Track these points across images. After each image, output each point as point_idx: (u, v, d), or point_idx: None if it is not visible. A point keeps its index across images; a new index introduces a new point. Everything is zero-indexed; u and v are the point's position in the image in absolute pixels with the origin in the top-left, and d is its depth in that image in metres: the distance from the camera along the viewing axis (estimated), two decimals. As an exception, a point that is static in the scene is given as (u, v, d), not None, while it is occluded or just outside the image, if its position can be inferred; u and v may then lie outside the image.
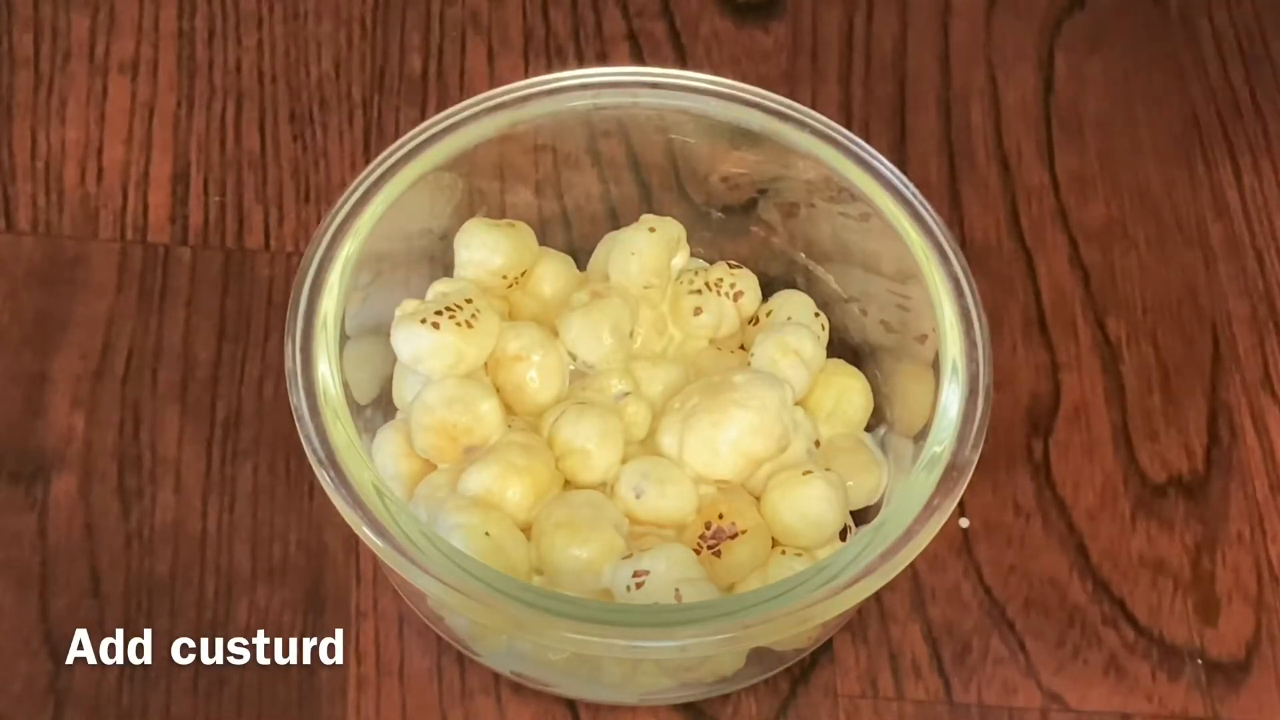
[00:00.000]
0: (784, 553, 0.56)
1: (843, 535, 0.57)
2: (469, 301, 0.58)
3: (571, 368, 0.59)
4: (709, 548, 0.56)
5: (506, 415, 0.57)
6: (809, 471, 0.57)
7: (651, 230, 0.61)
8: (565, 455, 0.57)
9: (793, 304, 0.62)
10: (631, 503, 0.56)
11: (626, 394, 0.58)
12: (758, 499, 0.57)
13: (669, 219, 0.61)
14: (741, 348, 0.61)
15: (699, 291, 0.61)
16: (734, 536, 0.56)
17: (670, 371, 0.59)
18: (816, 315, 0.61)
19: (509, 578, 0.52)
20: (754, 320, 0.62)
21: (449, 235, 0.61)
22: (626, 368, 0.59)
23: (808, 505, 0.56)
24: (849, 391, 0.60)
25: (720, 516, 0.56)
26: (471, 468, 0.56)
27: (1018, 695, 0.59)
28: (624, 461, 0.57)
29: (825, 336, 0.61)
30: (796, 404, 0.59)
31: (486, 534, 0.54)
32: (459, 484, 0.56)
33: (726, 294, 0.61)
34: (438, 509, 0.55)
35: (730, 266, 0.62)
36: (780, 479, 0.57)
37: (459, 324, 0.57)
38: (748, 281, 0.62)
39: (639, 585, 0.54)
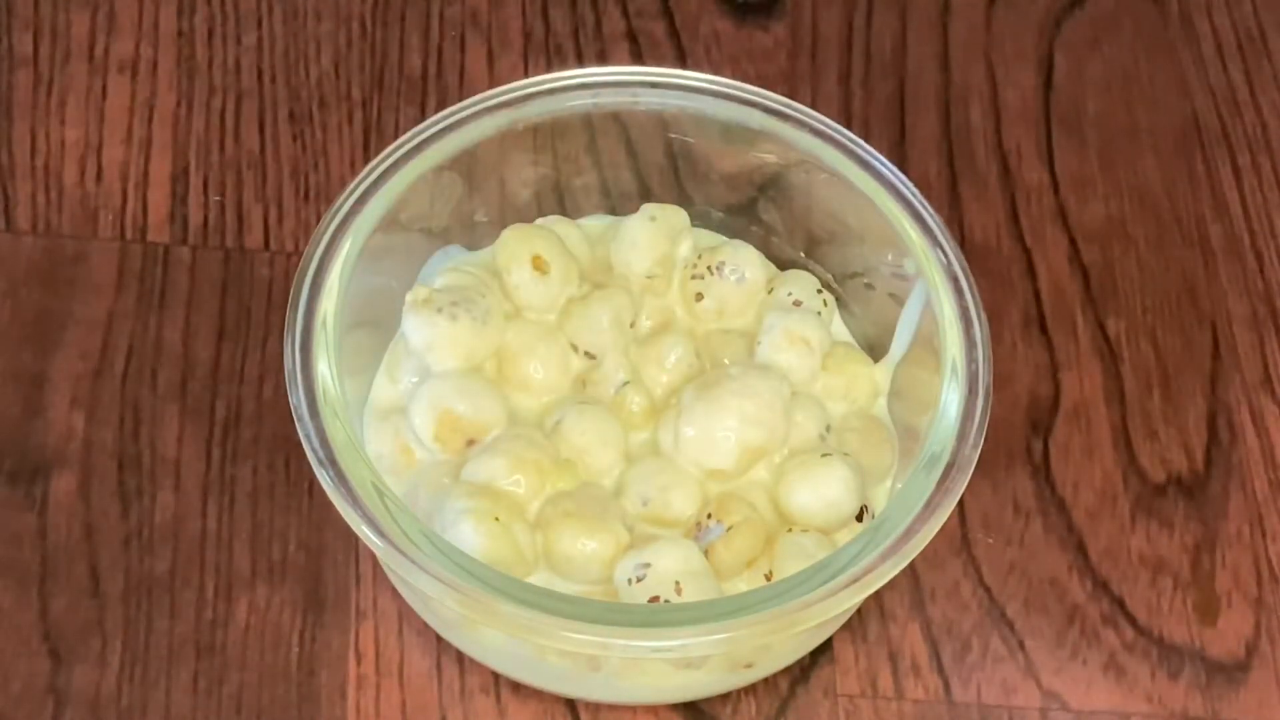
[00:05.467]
0: (790, 530, 0.56)
1: (859, 517, 0.57)
2: (482, 296, 0.58)
3: (574, 359, 0.59)
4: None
5: (509, 410, 0.58)
6: (828, 454, 0.57)
7: (652, 219, 0.61)
8: (566, 456, 0.57)
9: (795, 282, 0.61)
10: (638, 509, 0.56)
11: (626, 383, 0.58)
12: (765, 489, 0.57)
13: (671, 207, 0.61)
14: None
15: (700, 276, 0.61)
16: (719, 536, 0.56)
17: (672, 359, 0.59)
18: (819, 292, 0.61)
19: (508, 577, 0.52)
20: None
21: (448, 233, 0.61)
22: (628, 358, 0.59)
23: (826, 488, 0.56)
24: (858, 378, 0.60)
25: (709, 516, 0.56)
26: (478, 457, 0.56)
27: (1017, 695, 0.59)
28: (625, 456, 0.57)
29: (831, 314, 0.61)
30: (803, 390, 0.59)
31: (496, 519, 0.54)
32: (464, 472, 0.56)
33: (729, 277, 0.61)
34: (443, 496, 0.55)
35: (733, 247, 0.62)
36: (797, 462, 0.57)
37: (474, 318, 0.57)
38: (748, 258, 0.61)
39: (640, 579, 0.54)
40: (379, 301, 0.59)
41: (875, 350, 0.61)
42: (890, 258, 0.59)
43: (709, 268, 0.61)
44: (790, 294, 0.61)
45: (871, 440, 0.59)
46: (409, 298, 0.58)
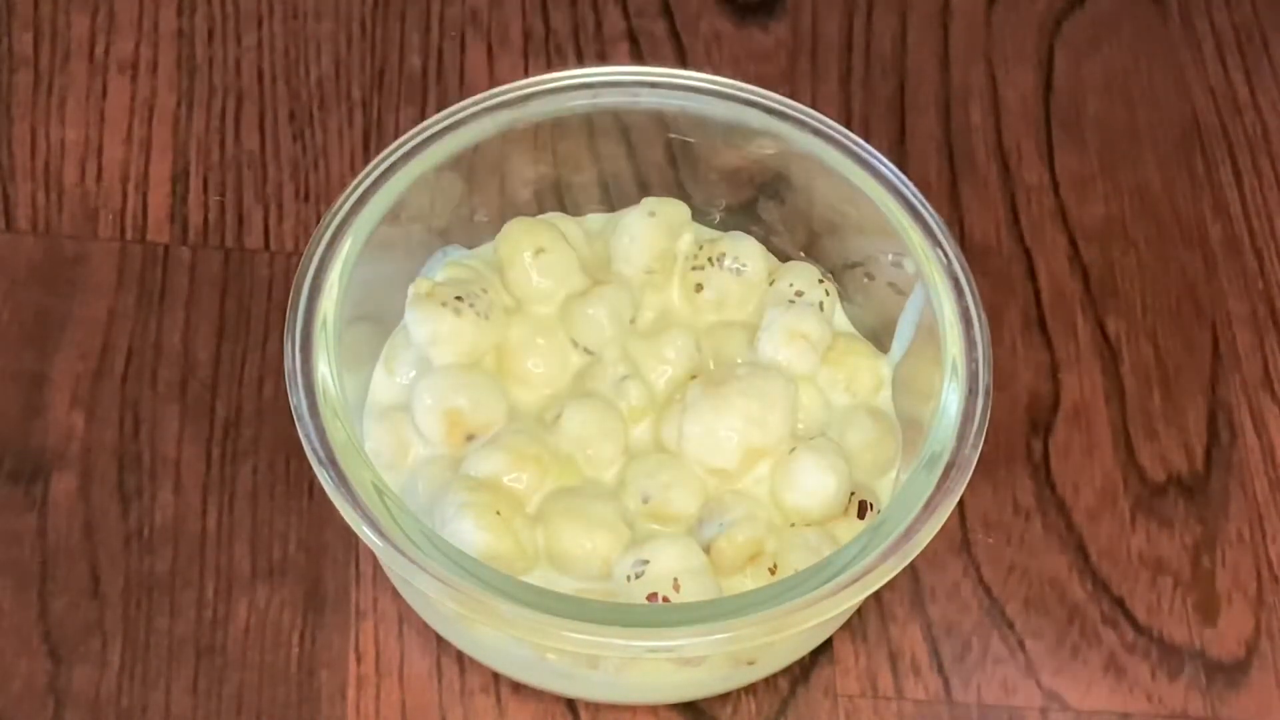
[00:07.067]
0: (793, 525, 0.56)
1: (861, 513, 0.57)
2: (484, 292, 0.58)
3: (573, 354, 0.59)
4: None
5: (510, 406, 0.58)
6: (794, 449, 0.57)
7: (651, 214, 0.60)
8: (566, 450, 0.57)
9: (796, 273, 0.61)
10: (639, 506, 0.56)
11: (626, 378, 0.58)
12: (766, 485, 0.57)
13: (671, 200, 0.61)
14: None
15: (701, 268, 0.61)
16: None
17: (672, 353, 0.59)
18: (821, 281, 0.61)
19: (508, 577, 0.52)
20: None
21: (448, 233, 0.61)
22: (628, 352, 0.59)
23: (801, 479, 0.56)
24: (860, 370, 0.60)
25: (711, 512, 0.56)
26: (479, 452, 0.56)
27: (1017, 695, 0.59)
28: (625, 450, 0.57)
29: (834, 304, 0.61)
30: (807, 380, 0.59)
31: (497, 513, 0.54)
32: (464, 467, 0.56)
33: (730, 269, 0.61)
34: (443, 491, 0.55)
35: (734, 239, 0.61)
36: (770, 462, 0.57)
37: (479, 314, 0.57)
38: (749, 250, 0.61)
39: (639, 575, 0.54)
40: (378, 297, 0.59)
41: (876, 342, 0.61)
42: (890, 257, 0.59)
43: (710, 259, 0.61)
44: (791, 284, 0.61)
45: (874, 432, 0.59)
46: (412, 290, 0.58)
